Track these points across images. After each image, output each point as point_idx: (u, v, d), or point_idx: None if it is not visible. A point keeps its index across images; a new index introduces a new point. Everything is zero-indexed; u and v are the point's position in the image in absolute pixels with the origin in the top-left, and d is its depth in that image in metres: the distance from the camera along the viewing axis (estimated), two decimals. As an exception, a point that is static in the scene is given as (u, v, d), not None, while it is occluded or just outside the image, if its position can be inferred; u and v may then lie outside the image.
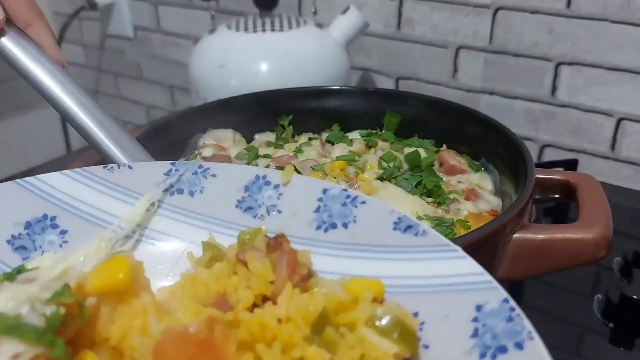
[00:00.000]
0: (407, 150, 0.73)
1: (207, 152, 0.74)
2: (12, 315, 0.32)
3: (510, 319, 0.35)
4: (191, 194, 0.50)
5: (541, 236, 0.54)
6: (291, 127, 0.81)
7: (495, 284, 0.37)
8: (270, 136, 0.81)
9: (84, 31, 1.57)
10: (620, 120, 0.95)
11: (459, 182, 0.69)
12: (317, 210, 0.46)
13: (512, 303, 0.35)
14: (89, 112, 0.54)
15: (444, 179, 0.69)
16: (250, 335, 0.35)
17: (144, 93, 1.55)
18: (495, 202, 0.65)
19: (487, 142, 0.70)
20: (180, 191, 0.50)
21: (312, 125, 0.81)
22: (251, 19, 1.00)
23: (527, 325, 0.34)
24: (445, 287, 0.39)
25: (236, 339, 0.34)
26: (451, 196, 0.65)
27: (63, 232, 0.48)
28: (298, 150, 0.73)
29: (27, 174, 0.49)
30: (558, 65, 0.97)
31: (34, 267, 0.42)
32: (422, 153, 0.71)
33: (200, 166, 0.51)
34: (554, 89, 0.98)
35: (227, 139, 0.77)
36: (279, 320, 0.36)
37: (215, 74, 0.97)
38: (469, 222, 0.61)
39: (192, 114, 0.78)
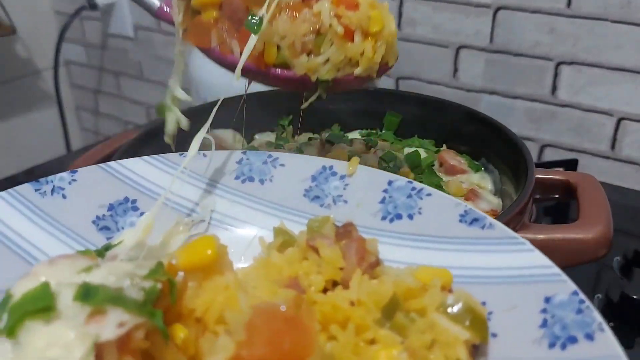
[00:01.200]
0: (407, 150, 0.73)
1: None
2: (114, 288, 0.34)
3: (580, 311, 0.35)
4: (261, 182, 0.52)
5: (541, 236, 0.54)
6: (291, 127, 0.80)
7: (564, 276, 0.37)
8: (270, 136, 0.81)
9: (85, 31, 1.57)
10: (620, 119, 0.94)
11: (459, 182, 0.68)
12: (383, 201, 0.48)
13: (582, 295, 0.36)
14: None
15: (444, 179, 0.69)
16: (323, 316, 0.36)
17: (144, 93, 1.54)
18: (495, 202, 0.65)
19: (487, 142, 0.70)
20: (251, 179, 0.52)
21: (312, 125, 0.80)
22: (251, 19, 1.00)
23: (597, 317, 0.34)
24: (513, 278, 0.39)
25: (317, 318, 0.36)
26: (451, 196, 0.65)
27: (143, 215, 0.50)
28: (298, 150, 0.73)
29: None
30: (558, 64, 0.97)
31: (119, 242, 0.46)
32: (422, 153, 0.71)
33: (270, 156, 0.53)
34: (554, 89, 0.98)
35: (227, 139, 0.77)
36: (352, 303, 0.37)
37: (215, 74, 0.97)
38: (469, 222, 0.61)
39: (192, 114, 0.78)
